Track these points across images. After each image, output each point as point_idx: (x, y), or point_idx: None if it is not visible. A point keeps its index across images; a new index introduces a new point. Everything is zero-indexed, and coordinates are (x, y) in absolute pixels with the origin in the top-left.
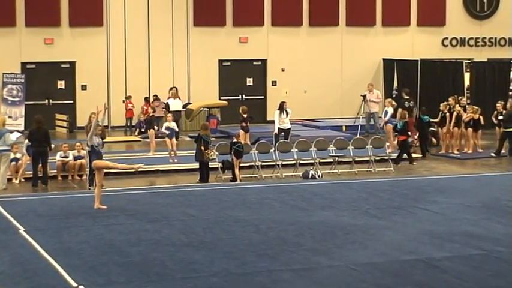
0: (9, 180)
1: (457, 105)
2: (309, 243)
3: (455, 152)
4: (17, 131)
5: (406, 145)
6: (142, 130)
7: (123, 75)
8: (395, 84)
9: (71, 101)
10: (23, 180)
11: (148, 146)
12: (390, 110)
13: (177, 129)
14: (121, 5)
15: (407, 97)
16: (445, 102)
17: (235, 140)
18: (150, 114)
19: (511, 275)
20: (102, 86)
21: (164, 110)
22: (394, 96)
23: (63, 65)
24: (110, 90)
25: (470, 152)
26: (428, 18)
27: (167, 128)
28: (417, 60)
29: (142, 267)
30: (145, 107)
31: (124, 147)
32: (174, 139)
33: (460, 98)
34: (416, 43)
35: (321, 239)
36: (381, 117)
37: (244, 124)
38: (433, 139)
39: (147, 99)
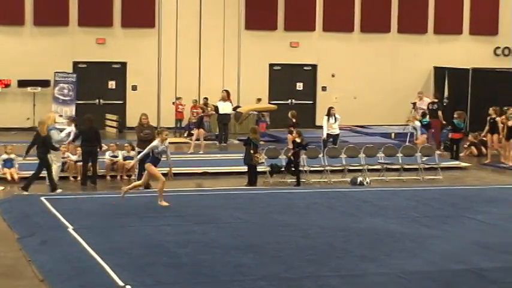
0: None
1: (503, 116)
2: (357, 249)
3: (506, 162)
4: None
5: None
6: (192, 132)
7: (173, 77)
8: (446, 93)
9: (121, 101)
10: (72, 179)
11: (197, 147)
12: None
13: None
14: (173, 7)
15: (436, 101)
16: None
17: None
18: (200, 114)
19: None
20: (153, 87)
21: (213, 112)
22: (444, 104)
23: (114, 65)
24: (160, 91)
25: None
26: (481, 27)
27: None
28: (469, 69)
29: (190, 269)
30: (194, 110)
31: (173, 149)
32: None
33: (506, 108)
34: (468, 52)
35: (369, 246)
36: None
37: (292, 128)
38: (483, 148)
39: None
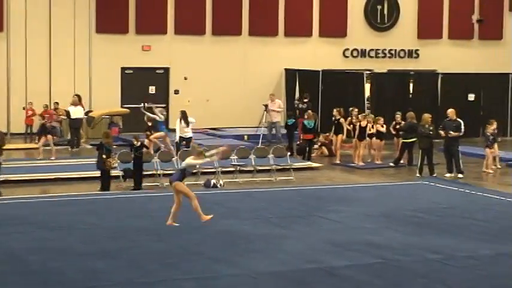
0: None
1: (353, 117)
2: (211, 251)
3: (356, 162)
4: None
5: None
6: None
7: (23, 82)
8: (297, 94)
9: None
10: None
11: (48, 153)
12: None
13: None
14: (22, 10)
15: (306, 100)
16: (337, 109)
17: (136, 143)
18: (41, 122)
19: (410, 283)
20: (2, 92)
21: (64, 117)
22: (295, 106)
23: None
24: (9, 96)
25: (379, 162)
26: (330, 29)
27: None
28: (319, 71)
29: (41, 276)
30: (45, 115)
31: (24, 155)
32: None
33: (351, 109)
34: (318, 53)
35: (222, 247)
36: (282, 126)
37: (149, 133)
38: (333, 148)
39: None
